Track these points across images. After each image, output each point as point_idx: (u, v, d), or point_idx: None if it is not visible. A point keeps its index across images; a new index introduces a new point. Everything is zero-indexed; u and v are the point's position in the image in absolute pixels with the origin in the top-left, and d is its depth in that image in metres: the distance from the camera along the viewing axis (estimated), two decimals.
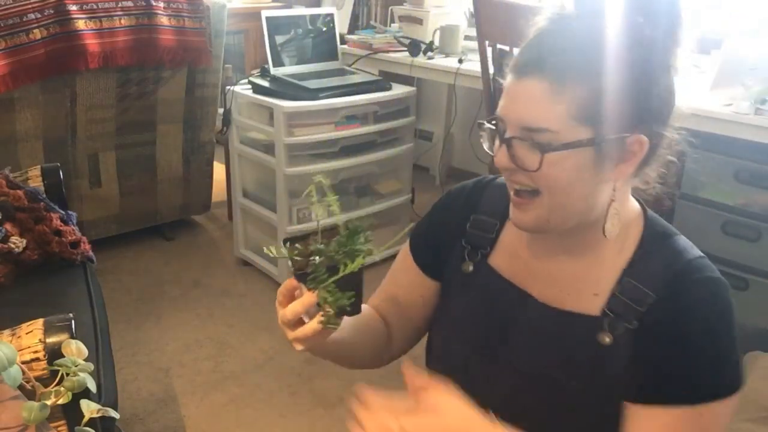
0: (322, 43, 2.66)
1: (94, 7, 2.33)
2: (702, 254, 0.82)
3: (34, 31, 2.22)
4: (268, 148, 2.42)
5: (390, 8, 3.30)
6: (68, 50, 2.30)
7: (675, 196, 2.13)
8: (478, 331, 0.90)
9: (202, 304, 2.44)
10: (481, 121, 0.82)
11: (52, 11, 2.24)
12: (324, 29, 2.66)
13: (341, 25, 3.19)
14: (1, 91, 2.21)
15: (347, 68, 2.70)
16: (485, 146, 0.82)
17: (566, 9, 0.76)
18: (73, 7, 2.28)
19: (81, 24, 2.30)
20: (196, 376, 2.05)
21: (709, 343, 0.76)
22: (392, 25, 3.27)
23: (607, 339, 0.79)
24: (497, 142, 0.78)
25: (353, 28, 3.54)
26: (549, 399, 0.83)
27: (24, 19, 2.19)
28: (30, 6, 2.20)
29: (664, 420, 0.75)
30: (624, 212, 0.82)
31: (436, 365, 0.96)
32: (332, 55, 2.69)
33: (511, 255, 0.90)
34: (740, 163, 1.99)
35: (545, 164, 0.73)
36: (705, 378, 0.75)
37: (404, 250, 1.02)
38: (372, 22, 3.47)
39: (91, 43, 2.33)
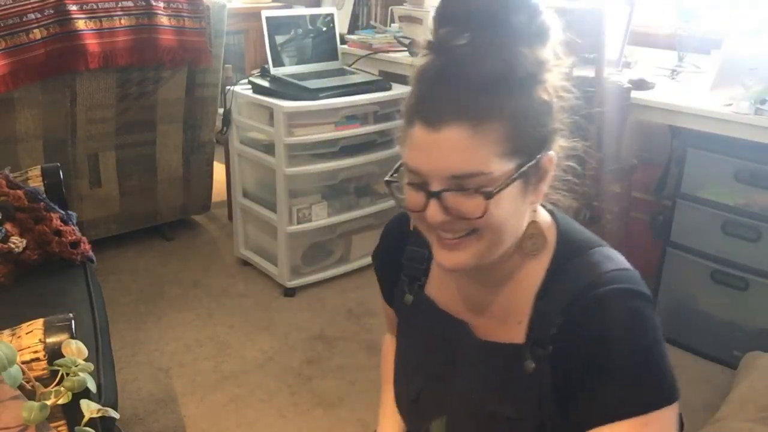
0: (322, 43, 2.66)
1: (94, 7, 2.33)
2: (624, 267, 0.77)
3: (34, 31, 2.22)
4: (268, 148, 2.42)
5: (390, 8, 3.30)
6: (68, 50, 2.30)
7: (672, 194, 2.13)
8: (427, 364, 0.90)
9: (202, 304, 2.44)
10: (389, 180, 0.77)
11: (52, 11, 2.24)
12: (324, 29, 2.66)
13: (341, 25, 3.19)
14: (1, 91, 2.21)
15: (347, 68, 2.70)
16: (399, 202, 0.76)
17: (444, 44, 0.72)
18: (73, 7, 2.28)
19: (81, 24, 2.30)
20: (196, 376, 2.05)
21: (625, 357, 0.72)
22: (392, 25, 3.27)
23: (531, 366, 0.77)
24: (422, 198, 0.72)
25: (353, 28, 3.54)
26: (491, 430, 0.82)
27: (24, 19, 2.19)
28: (30, 6, 2.20)
29: None
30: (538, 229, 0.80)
31: (396, 395, 0.97)
32: (332, 55, 2.69)
33: (442, 285, 0.89)
34: (740, 163, 1.99)
35: (489, 209, 0.70)
36: (629, 393, 0.72)
37: None
38: (372, 22, 3.47)
39: (91, 43, 2.33)
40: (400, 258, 0.93)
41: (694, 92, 2.11)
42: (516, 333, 0.80)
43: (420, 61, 0.74)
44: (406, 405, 0.94)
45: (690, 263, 2.13)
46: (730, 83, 2.01)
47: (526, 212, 0.76)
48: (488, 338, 0.84)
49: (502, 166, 0.70)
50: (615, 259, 0.78)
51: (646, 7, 2.61)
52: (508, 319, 0.82)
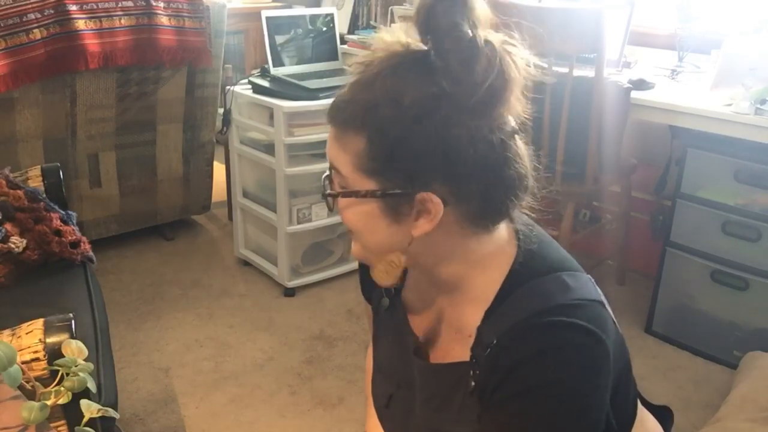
0: (322, 43, 2.66)
1: (94, 7, 2.33)
2: (582, 298, 0.72)
3: (34, 31, 2.22)
4: (268, 148, 2.42)
5: (390, 8, 3.30)
6: (68, 50, 2.30)
7: (672, 194, 2.13)
8: (397, 371, 0.90)
9: (202, 304, 2.44)
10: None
11: (52, 11, 2.24)
12: (324, 29, 2.66)
13: (341, 25, 3.19)
14: (1, 91, 2.21)
15: (347, 68, 2.70)
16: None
17: (377, 59, 0.73)
18: (73, 7, 2.28)
19: (81, 24, 2.30)
20: (196, 376, 2.05)
21: (544, 400, 0.68)
22: (392, 25, 3.26)
23: (472, 383, 0.75)
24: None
25: (353, 28, 3.54)
26: None
27: (24, 19, 2.19)
28: (30, 6, 2.20)
29: None
30: (479, 256, 0.77)
31: (373, 399, 0.97)
32: (332, 55, 2.69)
33: (414, 289, 0.89)
34: (740, 163, 1.99)
35: (338, 205, 0.77)
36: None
37: None
38: (372, 22, 3.47)
39: (91, 43, 2.33)
40: None
41: (694, 92, 2.11)
42: (465, 347, 0.78)
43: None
44: (379, 409, 0.95)
45: (690, 263, 2.13)
46: (730, 83, 2.01)
47: (397, 234, 0.75)
48: (439, 356, 0.83)
49: (359, 180, 0.73)
50: (578, 287, 0.73)
51: (646, 7, 2.61)
52: (461, 331, 0.80)
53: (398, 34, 0.74)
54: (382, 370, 0.94)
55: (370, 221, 0.76)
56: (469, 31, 0.68)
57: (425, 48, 0.71)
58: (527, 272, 0.75)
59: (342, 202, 0.76)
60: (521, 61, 0.69)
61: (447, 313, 0.83)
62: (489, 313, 0.76)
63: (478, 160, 0.70)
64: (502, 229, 0.79)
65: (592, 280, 0.78)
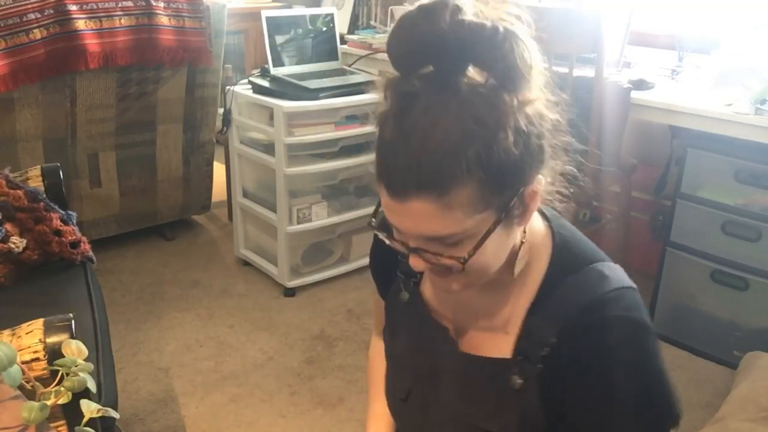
0: (322, 43, 2.65)
1: (94, 7, 2.33)
2: (623, 285, 0.75)
3: (34, 31, 2.22)
4: (268, 148, 2.42)
5: (390, 8, 3.30)
6: (68, 50, 2.30)
7: (672, 194, 2.13)
8: (417, 365, 0.89)
9: (202, 304, 2.44)
10: (374, 229, 0.76)
11: (52, 11, 2.24)
12: (324, 29, 2.66)
13: (341, 25, 3.19)
14: (1, 91, 2.21)
15: (347, 68, 2.70)
16: (388, 243, 0.75)
17: (400, 106, 0.67)
18: (73, 7, 2.28)
19: (81, 24, 2.30)
20: (196, 376, 2.05)
21: (619, 390, 0.71)
22: (392, 25, 3.26)
23: (518, 382, 0.75)
24: (403, 247, 0.73)
25: (353, 28, 3.53)
26: None
27: (24, 19, 2.19)
28: (30, 6, 2.20)
29: None
30: (529, 243, 0.78)
31: (387, 393, 0.96)
32: (332, 55, 2.69)
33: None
34: (740, 163, 1.99)
35: (469, 262, 0.70)
36: (618, 426, 0.72)
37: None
38: (372, 22, 3.47)
39: (91, 43, 2.33)
40: (397, 254, 0.90)
41: (694, 92, 2.11)
42: (502, 344, 0.78)
43: (381, 102, 0.70)
44: (395, 402, 0.94)
45: (690, 263, 2.13)
46: (730, 83, 2.01)
47: (514, 238, 0.74)
48: (472, 349, 0.82)
49: (477, 221, 0.67)
50: (614, 276, 0.76)
51: (646, 7, 2.61)
52: (496, 328, 0.80)
53: (406, 78, 0.68)
54: (399, 364, 0.93)
55: (499, 244, 0.72)
56: (472, 20, 0.65)
57: (431, 69, 0.67)
58: (567, 266, 0.77)
59: (474, 257, 0.69)
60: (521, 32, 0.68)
61: (478, 307, 0.82)
62: (534, 310, 0.76)
63: (542, 132, 0.70)
64: (537, 220, 0.80)
65: (620, 268, 0.80)
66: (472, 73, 0.67)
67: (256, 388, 2.00)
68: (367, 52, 2.87)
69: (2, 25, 2.16)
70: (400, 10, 3.06)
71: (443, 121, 0.64)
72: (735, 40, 2.13)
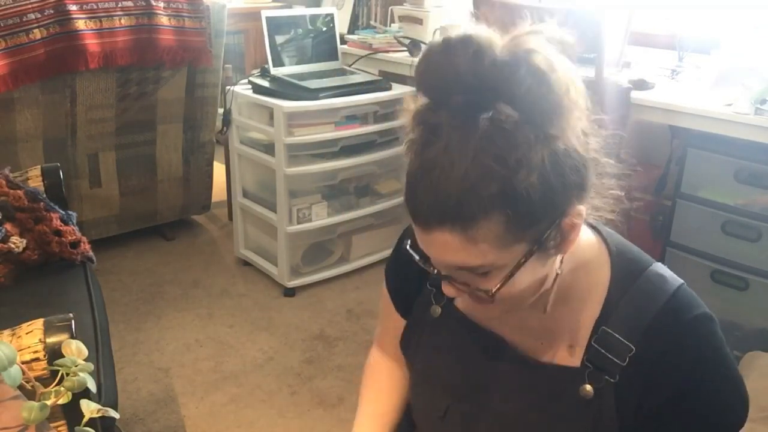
0: (322, 43, 2.65)
1: (94, 7, 2.33)
2: (677, 283, 0.77)
3: (34, 31, 2.22)
4: (268, 148, 2.42)
5: (390, 8, 3.30)
6: (68, 50, 2.30)
7: (672, 194, 2.13)
8: (457, 380, 0.86)
9: (202, 304, 2.44)
10: (410, 251, 0.75)
11: (52, 11, 2.24)
12: (324, 29, 2.66)
13: (341, 25, 3.19)
14: (1, 91, 2.21)
15: (347, 68, 2.70)
16: (423, 266, 0.74)
17: (426, 138, 0.67)
18: (73, 7, 2.28)
19: (81, 24, 2.30)
20: (196, 376, 2.05)
21: (712, 387, 0.73)
22: (392, 25, 3.26)
23: (589, 390, 0.75)
24: (434, 272, 0.72)
25: (353, 28, 3.54)
26: None
27: (24, 19, 2.19)
28: (30, 6, 2.20)
29: None
30: (581, 260, 0.77)
31: (418, 410, 0.93)
32: (332, 55, 2.69)
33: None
34: (740, 163, 1.99)
35: (500, 293, 0.68)
36: (717, 424, 0.74)
37: (384, 290, 0.98)
38: (372, 22, 3.47)
39: (91, 43, 2.33)
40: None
41: (694, 92, 2.11)
42: (566, 356, 0.78)
43: (409, 131, 0.70)
44: (431, 422, 0.90)
45: (690, 263, 2.13)
46: (730, 83, 2.01)
47: (551, 266, 0.73)
48: (533, 356, 0.81)
49: (507, 253, 0.66)
50: (669, 275, 0.78)
51: (646, 7, 2.61)
52: (555, 342, 0.79)
53: (424, 110, 0.67)
54: (433, 383, 0.88)
55: (530, 278, 0.70)
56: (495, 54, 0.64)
57: (460, 100, 0.65)
58: (628, 273, 0.78)
59: (503, 288, 0.68)
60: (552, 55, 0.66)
61: (530, 323, 0.80)
62: (603, 321, 0.76)
63: (585, 154, 0.69)
64: (587, 233, 0.79)
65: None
66: (503, 106, 0.64)
67: (256, 388, 2.00)
68: (367, 52, 2.87)
69: (2, 25, 2.16)
70: (400, 10, 3.06)
71: (462, 160, 0.63)
72: (735, 40, 2.13)
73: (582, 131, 0.68)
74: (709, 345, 0.74)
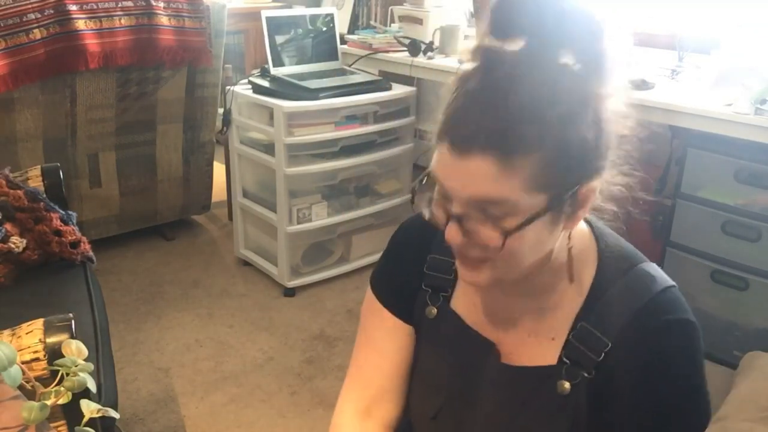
0: (322, 43, 2.65)
1: (94, 7, 2.33)
2: (668, 284, 0.75)
3: (34, 31, 2.22)
4: (268, 148, 2.42)
5: (390, 8, 3.30)
6: (68, 50, 2.30)
7: (672, 194, 2.13)
8: (448, 381, 0.86)
9: (202, 304, 2.44)
10: (417, 187, 0.73)
11: (52, 11, 2.24)
12: (324, 29, 2.66)
13: (341, 25, 3.19)
14: (1, 91, 2.21)
15: (347, 68, 2.70)
16: (426, 213, 0.73)
17: (488, 64, 0.68)
18: (73, 7, 2.28)
19: (81, 24, 2.30)
20: (196, 376, 2.05)
21: (675, 392, 0.73)
22: (392, 25, 3.26)
23: (566, 386, 0.75)
24: (444, 216, 0.70)
25: (353, 28, 3.54)
26: None
27: (24, 19, 2.19)
28: (30, 6, 2.20)
29: None
30: (578, 249, 0.77)
31: (412, 411, 0.92)
32: (332, 55, 2.69)
33: (470, 296, 0.85)
34: (740, 163, 1.99)
35: (507, 242, 0.67)
36: (671, 427, 0.73)
37: (368, 306, 0.92)
38: (372, 22, 3.47)
39: (91, 43, 2.33)
40: (422, 267, 0.88)
41: (694, 92, 2.11)
42: (547, 350, 0.78)
43: (464, 65, 0.70)
44: (423, 422, 0.90)
45: (690, 263, 2.13)
46: (730, 83, 2.01)
47: (555, 239, 0.73)
48: (515, 359, 0.81)
49: (529, 199, 0.66)
50: (659, 276, 0.76)
51: (646, 7, 2.61)
52: (540, 334, 0.79)
53: (488, 46, 0.69)
54: (428, 383, 0.88)
55: (540, 237, 0.69)
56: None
57: (523, 44, 0.68)
58: (615, 269, 0.77)
59: (514, 235, 0.67)
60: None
61: (520, 315, 0.81)
62: (583, 316, 0.76)
63: (613, 134, 0.70)
64: (581, 224, 0.79)
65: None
66: (569, 54, 0.67)
67: (256, 388, 2.00)
68: (367, 52, 2.87)
69: (2, 25, 2.16)
70: (400, 10, 3.06)
71: (529, 87, 0.64)
72: (735, 40, 2.13)
73: (618, 105, 0.70)
74: (682, 350, 0.73)
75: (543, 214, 0.67)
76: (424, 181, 0.72)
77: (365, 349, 0.92)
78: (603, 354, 0.73)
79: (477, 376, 0.83)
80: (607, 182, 0.74)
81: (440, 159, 0.68)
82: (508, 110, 0.64)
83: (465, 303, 0.86)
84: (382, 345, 0.90)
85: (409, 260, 0.89)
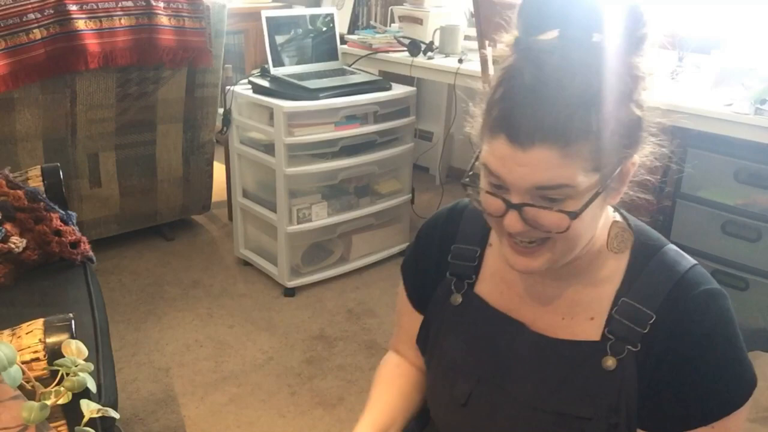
0: (322, 43, 2.66)
1: (94, 7, 2.33)
2: (694, 261, 0.80)
3: (34, 31, 2.22)
4: (268, 148, 2.42)
5: (390, 8, 3.30)
6: (68, 50, 2.30)
7: (672, 194, 2.13)
8: (478, 366, 0.87)
9: (202, 304, 2.44)
10: (466, 181, 0.76)
11: (52, 11, 2.24)
12: (324, 29, 2.66)
13: (341, 25, 3.19)
14: (1, 91, 2.21)
15: (347, 68, 2.70)
16: (478, 205, 0.76)
17: (536, 58, 0.70)
18: (73, 7, 2.28)
19: (81, 24, 2.30)
20: (196, 376, 2.05)
21: (718, 358, 0.75)
22: (392, 25, 3.27)
23: (611, 363, 0.77)
24: (501, 206, 0.72)
25: (353, 28, 3.54)
26: (553, 430, 0.80)
27: (24, 19, 2.19)
28: (30, 6, 2.20)
29: None
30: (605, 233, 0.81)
31: (437, 402, 0.93)
32: (332, 55, 2.69)
33: (497, 281, 0.88)
34: (740, 163, 1.99)
35: (572, 224, 0.70)
36: (718, 396, 0.75)
37: (401, 287, 1.00)
38: (372, 22, 3.47)
39: (91, 43, 2.33)
40: (446, 257, 0.91)
41: (694, 92, 2.11)
42: (587, 329, 0.80)
43: (503, 59, 0.73)
44: (451, 410, 0.90)
45: None
46: (730, 83, 2.01)
47: (602, 215, 0.77)
48: (552, 335, 0.82)
49: (587, 179, 0.69)
50: (685, 255, 0.81)
51: (645, 7, 2.61)
52: (577, 315, 0.81)
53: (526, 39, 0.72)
54: (454, 370, 0.89)
55: (594, 216, 0.74)
56: None
57: (556, 34, 0.71)
58: (648, 249, 0.80)
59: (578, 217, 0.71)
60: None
61: (553, 301, 0.83)
62: (624, 293, 0.78)
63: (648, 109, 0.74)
64: (609, 209, 0.82)
65: None
66: (601, 39, 0.70)
67: (256, 388, 2.00)
68: (367, 52, 2.88)
69: (2, 25, 2.16)
70: (400, 10, 3.06)
71: (584, 73, 0.68)
72: (735, 40, 2.13)
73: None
74: (723, 315, 0.76)
75: (601, 192, 0.70)
76: (470, 173, 0.75)
77: (399, 320, 1.03)
78: (648, 326, 0.76)
79: (509, 357, 0.84)
80: (644, 155, 0.77)
81: (495, 152, 0.70)
82: (565, 101, 0.67)
83: (490, 289, 0.88)
84: (411, 323, 0.99)
85: (433, 254, 0.94)
